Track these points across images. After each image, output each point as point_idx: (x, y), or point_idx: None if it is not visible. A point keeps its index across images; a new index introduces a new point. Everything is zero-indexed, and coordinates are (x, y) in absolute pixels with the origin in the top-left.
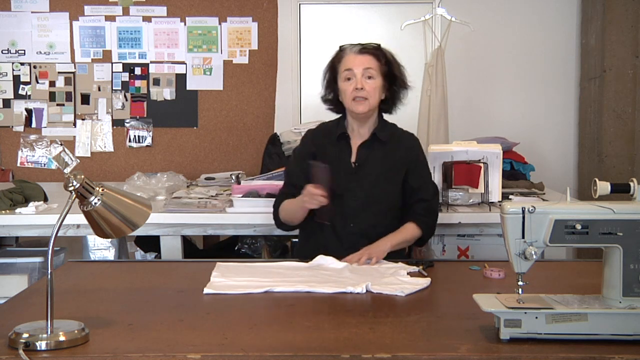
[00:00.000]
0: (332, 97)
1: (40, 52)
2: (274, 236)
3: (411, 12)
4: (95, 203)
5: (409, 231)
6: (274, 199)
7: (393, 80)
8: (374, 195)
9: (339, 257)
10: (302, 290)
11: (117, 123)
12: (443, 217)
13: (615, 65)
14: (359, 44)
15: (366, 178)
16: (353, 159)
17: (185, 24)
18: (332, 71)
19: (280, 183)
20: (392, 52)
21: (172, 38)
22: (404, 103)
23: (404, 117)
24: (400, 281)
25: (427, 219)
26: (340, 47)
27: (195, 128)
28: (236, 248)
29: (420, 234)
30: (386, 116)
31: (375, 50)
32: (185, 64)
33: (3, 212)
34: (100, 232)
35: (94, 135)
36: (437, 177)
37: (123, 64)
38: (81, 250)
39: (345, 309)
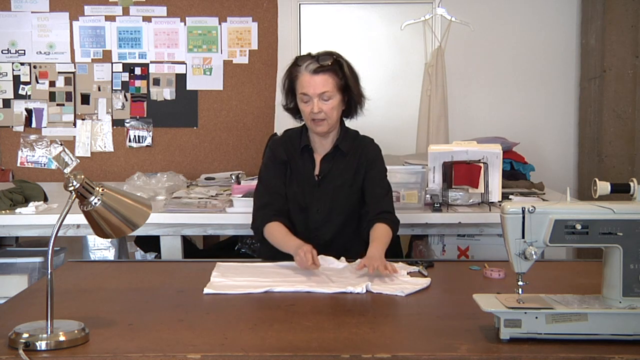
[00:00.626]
0: (293, 106)
1: (40, 52)
2: None
3: (411, 12)
4: (95, 203)
5: (386, 232)
6: None
7: (350, 92)
8: (336, 207)
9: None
10: (302, 290)
11: (117, 123)
12: (443, 217)
13: (615, 65)
14: (315, 59)
15: (328, 191)
16: (317, 171)
17: (185, 24)
18: (291, 82)
19: None
20: (348, 62)
21: (172, 38)
22: (364, 113)
23: (405, 116)
24: (400, 281)
25: (390, 215)
26: (297, 58)
27: (195, 128)
28: (236, 248)
29: (391, 232)
30: (385, 118)
31: (331, 67)
32: (185, 64)
33: (3, 212)
34: (100, 232)
35: (94, 135)
36: (437, 177)
37: (123, 64)
38: (81, 250)
39: (345, 309)
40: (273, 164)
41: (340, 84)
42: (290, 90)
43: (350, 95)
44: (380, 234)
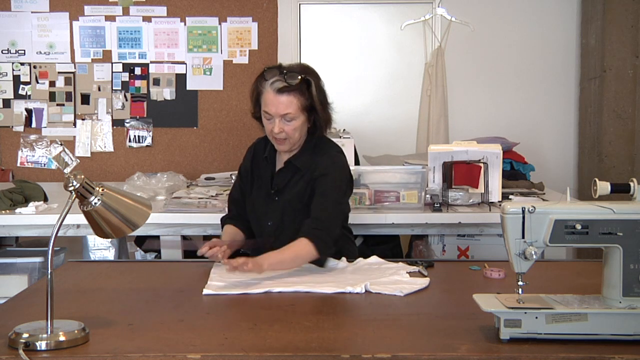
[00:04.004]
0: (258, 115)
1: (40, 52)
2: None
3: (411, 12)
4: (95, 203)
5: (299, 246)
6: None
7: (316, 111)
8: (288, 220)
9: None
10: (302, 290)
11: (117, 123)
12: (443, 217)
13: (615, 65)
14: (283, 75)
15: (279, 205)
16: (273, 183)
17: (185, 24)
18: (257, 94)
19: None
20: (318, 80)
21: (172, 38)
22: (331, 125)
23: (405, 117)
24: (400, 281)
25: (320, 232)
26: (265, 71)
27: (195, 128)
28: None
29: (314, 249)
30: (385, 118)
31: (297, 86)
32: (185, 64)
33: (3, 212)
34: (100, 232)
35: (94, 135)
36: (437, 177)
37: (123, 64)
38: (81, 250)
39: (345, 309)
40: (241, 170)
41: (306, 104)
42: (257, 101)
43: (316, 115)
44: (290, 246)
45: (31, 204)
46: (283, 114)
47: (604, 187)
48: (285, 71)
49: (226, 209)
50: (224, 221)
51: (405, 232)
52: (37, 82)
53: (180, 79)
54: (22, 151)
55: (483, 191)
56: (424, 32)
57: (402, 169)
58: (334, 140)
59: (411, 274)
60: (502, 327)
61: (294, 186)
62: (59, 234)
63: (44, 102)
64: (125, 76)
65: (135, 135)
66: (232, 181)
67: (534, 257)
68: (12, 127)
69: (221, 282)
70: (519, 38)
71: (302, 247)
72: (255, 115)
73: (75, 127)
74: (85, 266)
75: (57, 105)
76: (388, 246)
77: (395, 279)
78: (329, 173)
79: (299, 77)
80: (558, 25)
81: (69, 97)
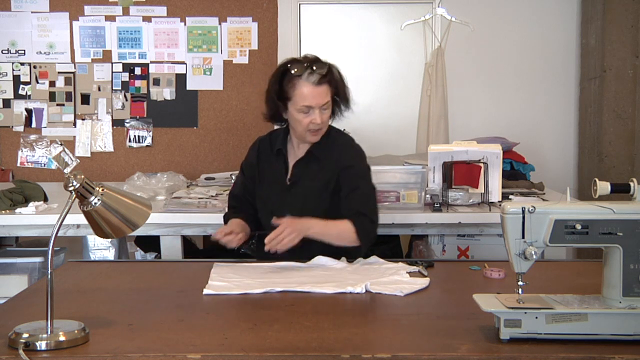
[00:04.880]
0: (276, 113)
1: (40, 52)
2: None
3: (411, 12)
4: (95, 203)
5: (345, 226)
6: None
7: (338, 101)
8: (305, 212)
9: None
10: (302, 290)
11: (117, 123)
12: (443, 217)
13: (615, 65)
14: (312, 68)
15: (298, 196)
16: (289, 175)
17: (185, 24)
18: (281, 92)
19: None
20: (338, 69)
21: (172, 38)
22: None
23: (405, 116)
24: (400, 281)
25: (365, 220)
26: (290, 67)
27: (195, 128)
28: (236, 248)
29: (356, 237)
30: (385, 118)
31: (329, 77)
32: (185, 64)
33: (3, 212)
34: (100, 232)
35: (94, 135)
36: (437, 177)
37: (123, 64)
38: (81, 250)
39: (345, 309)
40: (244, 167)
41: (333, 92)
42: (278, 98)
43: (338, 102)
44: (336, 222)
45: (31, 204)
46: (323, 103)
47: (604, 187)
48: (309, 64)
49: (226, 209)
50: (228, 216)
51: (405, 232)
52: (37, 82)
53: (180, 79)
54: (22, 151)
55: (483, 191)
56: (424, 32)
57: (402, 169)
58: None
59: (411, 274)
60: (502, 327)
61: (315, 176)
62: (59, 234)
63: (44, 102)
64: (125, 76)
65: (135, 135)
66: (232, 181)
67: (534, 257)
68: (12, 127)
69: (221, 282)
70: (519, 38)
71: (347, 229)
72: (271, 114)
73: (75, 127)
74: (85, 266)
75: (57, 105)
76: (388, 246)
77: (395, 279)
78: (355, 164)
79: (326, 66)
80: (558, 25)
81: (69, 97)
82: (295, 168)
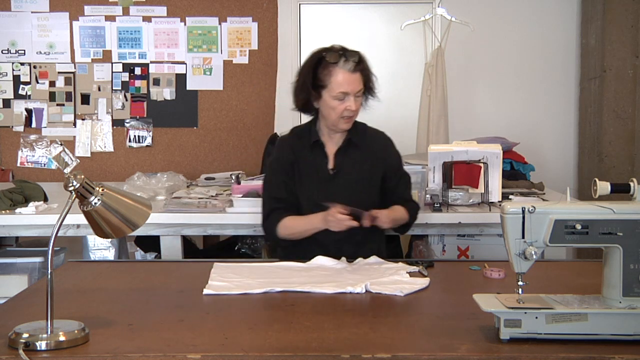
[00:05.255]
0: (308, 103)
1: (40, 52)
2: None
3: (411, 12)
4: (95, 203)
5: (401, 209)
6: None
7: (366, 90)
8: (353, 201)
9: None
10: (302, 290)
11: (117, 123)
12: (443, 217)
13: (615, 65)
14: (346, 56)
15: (344, 184)
16: (330, 165)
17: (185, 24)
18: (315, 79)
19: None
20: (366, 58)
21: (172, 38)
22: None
23: (405, 116)
24: (400, 281)
25: (413, 204)
26: (325, 55)
27: (195, 128)
28: (236, 248)
29: (407, 217)
30: (385, 118)
31: (362, 65)
32: (185, 64)
33: (3, 212)
34: (100, 232)
35: (94, 135)
36: (437, 177)
37: (123, 64)
38: (81, 250)
39: (345, 309)
40: (278, 167)
41: (364, 80)
42: (310, 85)
43: (366, 90)
44: (396, 207)
45: (31, 204)
46: (357, 90)
47: (604, 187)
48: (342, 52)
49: (226, 209)
50: (277, 217)
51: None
52: (37, 82)
53: (180, 79)
54: (22, 151)
55: (483, 191)
56: (424, 32)
57: None
58: None
59: (411, 274)
60: (502, 327)
61: (356, 164)
62: (59, 234)
63: (44, 102)
64: (125, 76)
65: (135, 135)
66: (232, 181)
67: (534, 257)
68: (12, 127)
69: (221, 282)
70: (519, 38)
71: (402, 211)
72: (304, 105)
73: (75, 127)
74: (85, 266)
75: (57, 105)
76: (388, 246)
77: (395, 279)
78: (396, 155)
79: (357, 54)
80: (558, 25)
81: (69, 97)
82: (336, 157)
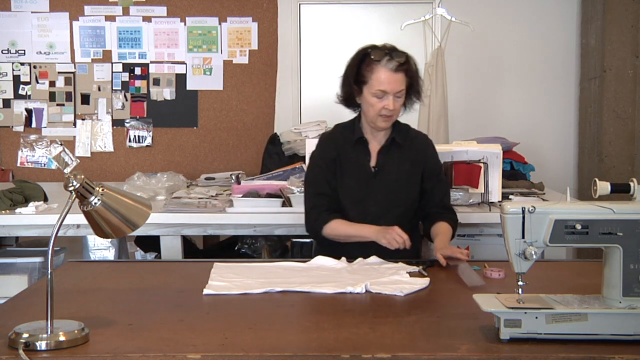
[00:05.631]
0: (350, 97)
1: (40, 52)
2: (274, 236)
3: (411, 12)
4: (95, 203)
5: (448, 229)
6: (274, 199)
7: (411, 92)
8: (393, 200)
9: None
10: (302, 290)
11: (117, 123)
12: None
13: (615, 65)
14: (391, 55)
15: (385, 182)
16: (372, 163)
17: (185, 24)
18: (358, 75)
19: (281, 183)
20: (414, 60)
21: (172, 38)
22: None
23: (405, 117)
24: (400, 281)
25: (453, 215)
26: (370, 52)
27: (195, 128)
28: (236, 248)
29: (452, 231)
30: None
31: (406, 66)
32: (185, 64)
33: (3, 212)
34: (100, 232)
35: (94, 135)
36: None
37: (123, 64)
38: (81, 250)
39: (345, 309)
40: (321, 162)
41: (408, 82)
42: (353, 81)
43: (411, 92)
44: (444, 229)
45: (31, 204)
46: (397, 91)
47: (604, 187)
48: (388, 51)
49: (226, 209)
50: (325, 220)
51: None
52: (37, 82)
53: (180, 79)
54: (22, 151)
55: (483, 191)
56: (424, 32)
57: None
58: None
59: (411, 274)
60: (502, 327)
61: (398, 163)
62: (59, 234)
63: (44, 102)
64: (125, 76)
65: (135, 135)
66: (232, 181)
67: (534, 257)
68: (12, 127)
69: (221, 282)
70: (519, 38)
71: (449, 229)
72: (344, 97)
73: (75, 127)
74: (85, 266)
75: (57, 105)
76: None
77: (395, 279)
78: (437, 158)
79: (404, 56)
80: (558, 25)
81: (69, 97)
82: (379, 155)
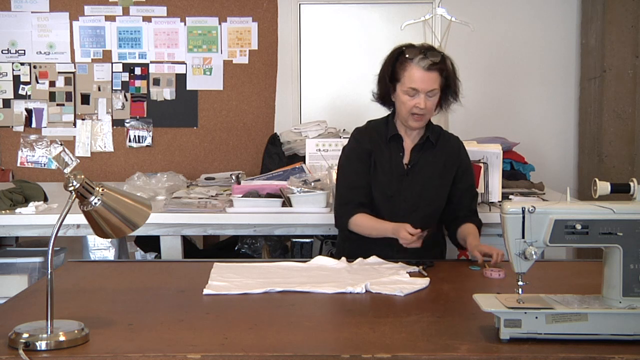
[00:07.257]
0: (385, 94)
1: (40, 52)
2: (274, 236)
3: (411, 12)
4: (95, 203)
5: (475, 230)
6: (274, 199)
7: (447, 92)
8: (423, 198)
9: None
10: (302, 290)
11: (117, 123)
12: None
13: (615, 65)
14: (426, 54)
15: (417, 181)
16: (406, 160)
17: (185, 24)
18: (392, 73)
19: (281, 183)
20: (452, 61)
21: (172, 38)
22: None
23: None
24: (400, 281)
25: (479, 219)
26: (405, 50)
27: (195, 128)
28: (236, 248)
29: (478, 233)
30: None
31: (440, 65)
32: (185, 64)
33: (3, 212)
34: (100, 232)
35: (94, 135)
36: None
37: (123, 64)
38: (81, 250)
39: (345, 309)
40: (356, 155)
41: (443, 82)
42: (388, 79)
43: (447, 92)
44: (473, 230)
45: (31, 204)
46: (430, 89)
47: (604, 187)
48: (424, 50)
49: (226, 209)
50: (351, 213)
51: None
52: (37, 82)
53: (180, 79)
54: (22, 151)
55: (483, 191)
56: (424, 32)
57: None
58: (334, 140)
59: (411, 274)
60: (502, 327)
61: (431, 163)
62: (59, 234)
63: (44, 102)
64: (125, 76)
65: (135, 135)
66: (232, 181)
67: (534, 257)
68: (12, 127)
69: (221, 282)
70: (519, 38)
71: (477, 231)
72: (382, 96)
73: (75, 127)
74: (85, 266)
75: (57, 105)
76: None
77: (395, 279)
78: (469, 162)
79: (440, 55)
80: (558, 25)
81: (69, 97)
82: (413, 153)
